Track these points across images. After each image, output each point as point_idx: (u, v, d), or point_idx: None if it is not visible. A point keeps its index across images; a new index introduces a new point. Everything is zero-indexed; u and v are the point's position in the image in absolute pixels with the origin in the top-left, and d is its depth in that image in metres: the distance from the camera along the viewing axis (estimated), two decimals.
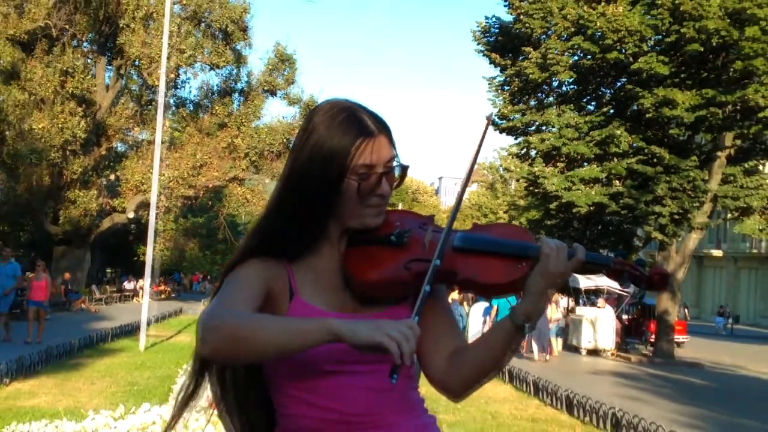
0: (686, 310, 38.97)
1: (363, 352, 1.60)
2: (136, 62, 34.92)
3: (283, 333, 1.64)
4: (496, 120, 27.16)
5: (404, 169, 1.95)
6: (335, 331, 1.59)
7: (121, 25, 33.91)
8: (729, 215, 27.33)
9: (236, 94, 38.75)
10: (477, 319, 21.46)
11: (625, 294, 28.29)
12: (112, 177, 40.90)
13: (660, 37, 23.78)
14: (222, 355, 1.73)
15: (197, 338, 1.69)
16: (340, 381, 1.85)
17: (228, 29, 35.93)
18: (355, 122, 1.89)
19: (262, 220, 2.00)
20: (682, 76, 23.94)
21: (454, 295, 22.07)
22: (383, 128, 1.92)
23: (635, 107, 24.63)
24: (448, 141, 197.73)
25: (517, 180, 30.61)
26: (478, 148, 2.00)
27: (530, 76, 25.27)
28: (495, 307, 20.09)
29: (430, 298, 1.90)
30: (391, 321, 1.62)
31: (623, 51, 23.56)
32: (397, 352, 1.55)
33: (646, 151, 24.39)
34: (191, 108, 39.54)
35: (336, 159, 1.85)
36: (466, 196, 66.15)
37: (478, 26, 27.61)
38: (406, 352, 1.56)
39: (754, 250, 54.88)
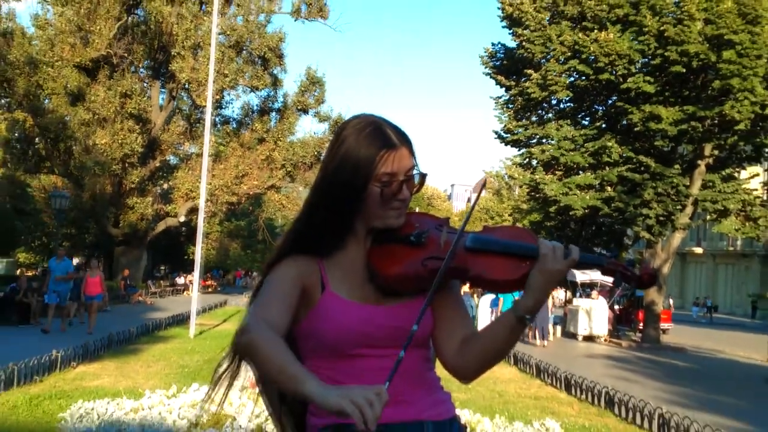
0: (671, 301, 38.76)
1: (337, 416, 1.54)
2: (186, 85, 35.09)
3: (276, 371, 1.65)
4: (503, 134, 27.18)
5: (423, 176, 1.95)
6: (307, 394, 1.57)
7: (173, 53, 34.03)
8: (708, 217, 27.09)
9: (273, 113, 38.79)
10: (485, 310, 21.43)
11: (616, 287, 28.21)
12: (166, 186, 41.13)
13: (647, 59, 23.64)
14: (242, 357, 1.85)
15: (238, 331, 1.75)
16: (360, 363, 1.88)
17: (266, 56, 35.98)
18: (380, 135, 1.89)
19: (296, 222, 2.00)
20: (667, 94, 23.82)
21: (465, 288, 22.02)
22: (405, 141, 1.92)
23: (625, 122, 24.50)
24: (459, 152, 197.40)
25: (521, 186, 30.40)
26: (476, 199, 2.01)
27: (532, 95, 25.20)
28: (501, 299, 20.09)
29: (444, 291, 1.92)
30: (362, 387, 1.56)
31: (614, 72, 23.46)
32: (360, 417, 1.48)
33: (634, 160, 24.27)
34: (234, 125, 39.67)
35: (362, 168, 1.86)
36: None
37: (485, 52, 27.56)
38: (369, 418, 1.48)
39: (731, 248, 54.71)
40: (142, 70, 37.64)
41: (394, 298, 1.94)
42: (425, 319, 1.92)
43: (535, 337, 21.28)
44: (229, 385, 2.01)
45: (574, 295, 28.40)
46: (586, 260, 1.90)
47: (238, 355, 1.80)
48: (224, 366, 2.01)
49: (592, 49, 23.14)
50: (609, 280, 26.71)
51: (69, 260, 19.23)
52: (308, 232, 1.94)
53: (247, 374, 2.04)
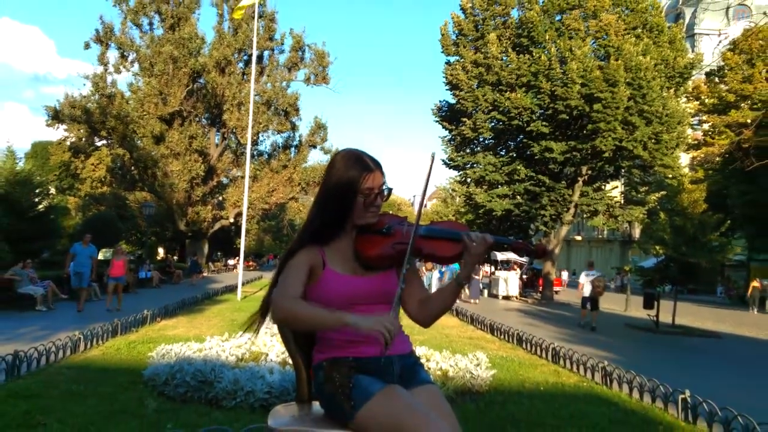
0: (561, 272, 38.95)
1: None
2: (233, 130, 34.92)
3: (319, 319, 1.72)
4: (447, 161, 27.20)
5: (390, 190, 1.99)
6: (349, 323, 1.68)
7: (224, 108, 33.96)
8: (585, 215, 27.35)
9: (292, 148, 38.56)
10: (435, 280, 21.50)
11: (524, 263, 28.34)
12: (220, 198, 40.83)
13: (543, 111, 23.78)
14: (284, 325, 1.90)
15: (271, 309, 1.80)
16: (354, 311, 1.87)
17: (287, 109, 35.86)
18: (361, 162, 1.94)
19: (308, 221, 2.02)
20: (556, 133, 23.97)
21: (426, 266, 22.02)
22: (377, 165, 1.96)
23: (529, 152, 24.64)
24: (418, 173, 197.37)
25: (460, 196, 30.46)
26: (428, 176, 1.98)
27: (466, 135, 25.32)
28: (446, 272, 20.11)
29: (409, 269, 1.94)
30: (383, 317, 1.70)
31: (521, 119, 23.59)
32: (385, 337, 1.67)
33: (535, 178, 24.42)
34: (266, 156, 39.41)
35: (351, 185, 1.91)
36: (428, 207, 66.54)
37: (435, 106, 27.67)
38: (389, 339, 1.67)
39: (600, 236, 55.20)
40: (203, 120, 37.34)
41: (372, 272, 1.97)
42: (395, 284, 1.96)
43: (470, 297, 21.33)
44: (257, 332, 2.07)
45: (496, 269, 28.50)
46: (502, 241, 1.96)
47: (281, 323, 1.82)
48: (255, 323, 2.08)
49: (506, 104, 23.27)
50: (518, 257, 27.00)
51: (93, 246, 14.15)
52: (318, 228, 1.96)
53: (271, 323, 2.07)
